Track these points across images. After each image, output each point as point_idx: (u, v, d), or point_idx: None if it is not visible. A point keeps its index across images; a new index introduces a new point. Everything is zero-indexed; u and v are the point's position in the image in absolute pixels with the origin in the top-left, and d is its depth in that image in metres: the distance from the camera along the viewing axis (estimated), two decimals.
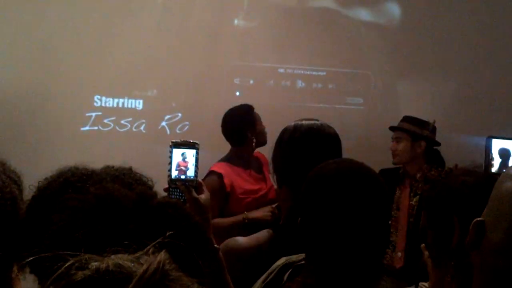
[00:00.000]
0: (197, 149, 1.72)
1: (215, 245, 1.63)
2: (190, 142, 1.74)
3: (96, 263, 0.59)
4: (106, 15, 4.20)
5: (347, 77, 4.67)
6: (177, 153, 1.71)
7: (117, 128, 4.26)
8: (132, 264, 0.60)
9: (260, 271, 1.51)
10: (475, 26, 4.70)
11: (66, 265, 0.60)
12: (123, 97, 4.27)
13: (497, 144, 1.82)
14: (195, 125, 4.28)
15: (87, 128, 4.20)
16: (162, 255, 0.60)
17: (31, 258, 0.67)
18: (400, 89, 4.77)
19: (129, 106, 4.29)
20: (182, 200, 1.65)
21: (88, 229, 0.73)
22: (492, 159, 1.81)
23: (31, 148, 3.94)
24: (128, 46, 4.24)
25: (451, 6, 4.71)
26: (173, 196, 1.67)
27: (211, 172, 3.28)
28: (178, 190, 1.69)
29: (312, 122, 1.83)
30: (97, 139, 4.17)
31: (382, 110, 4.55)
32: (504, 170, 1.78)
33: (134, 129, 4.28)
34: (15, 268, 1.20)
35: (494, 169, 1.82)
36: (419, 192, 3.51)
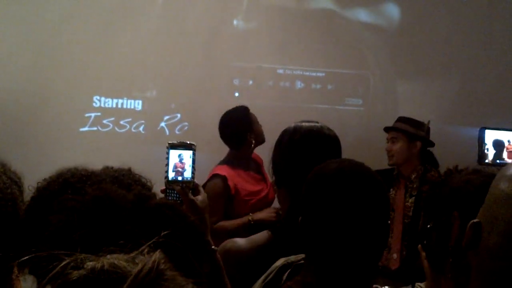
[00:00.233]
0: (194, 150, 1.71)
1: (213, 247, 1.63)
2: (187, 143, 1.73)
3: (91, 263, 0.60)
4: (106, 16, 4.20)
5: (346, 78, 4.67)
6: (174, 154, 1.71)
7: (116, 128, 4.26)
8: (127, 264, 0.60)
9: (258, 272, 1.51)
10: (473, 27, 4.71)
11: (62, 264, 0.60)
12: (122, 98, 4.27)
13: (490, 135, 1.83)
14: (194, 126, 4.29)
15: (86, 128, 4.20)
16: (157, 255, 0.60)
17: (26, 257, 0.67)
18: (399, 90, 4.78)
19: (128, 106, 4.29)
20: (179, 201, 1.65)
21: (85, 230, 0.73)
22: (487, 150, 1.83)
23: (31, 149, 3.93)
24: (127, 47, 4.24)
25: (450, 7, 4.71)
26: (170, 198, 1.66)
27: (214, 175, 3.27)
28: (175, 191, 1.69)
29: (312, 124, 1.83)
30: (96, 140, 4.17)
31: (381, 111, 4.55)
32: (498, 161, 1.80)
33: (133, 130, 4.28)
34: (15, 269, 1.20)
35: (488, 160, 1.83)
36: (414, 193, 3.51)
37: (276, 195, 1.85)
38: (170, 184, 1.68)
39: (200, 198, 1.70)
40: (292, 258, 1.46)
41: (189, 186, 1.69)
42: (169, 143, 1.72)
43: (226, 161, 3.40)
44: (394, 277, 3.23)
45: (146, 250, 0.63)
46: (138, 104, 4.30)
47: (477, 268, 0.88)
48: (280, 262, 1.47)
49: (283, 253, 1.50)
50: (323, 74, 4.62)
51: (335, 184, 1.31)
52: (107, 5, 4.22)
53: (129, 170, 1.22)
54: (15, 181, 1.28)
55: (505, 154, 1.80)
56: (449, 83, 4.76)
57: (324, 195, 1.31)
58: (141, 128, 4.29)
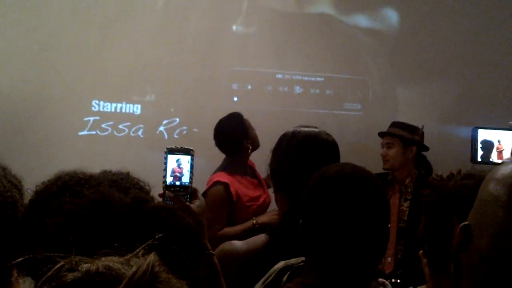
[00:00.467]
0: (192, 155, 1.71)
1: (210, 251, 1.63)
2: (185, 148, 1.72)
3: (86, 265, 0.60)
4: (105, 20, 4.21)
5: (345, 83, 4.68)
6: (172, 159, 1.70)
7: (115, 132, 4.26)
8: (122, 266, 0.60)
9: (256, 275, 1.51)
10: (472, 32, 4.72)
11: (56, 267, 0.60)
12: (121, 102, 4.28)
13: (483, 135, 1.84)
14: (193, 130, 4.29)
15: (85, 132, 4.20)
16: (151, 257, 0.60)
17: (20, 259, 0.67)
18: (398, 95, 4.78)
19: (127, 111, 4.29)
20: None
21: (82, 232, 0.73)
22: (481, 149, 1.84)
23: (30, 152, 3.93)
24: (126, 51, 4.25)
25: (448, 13, 4.72)
26: (168, 202, 1.66)
27: (216, 182, 3.26)
28: None
29: (310, 129, 1.84)
30: (95, 144, 4.17)
31: (380, 116, 4.55)
32: (491, 159, 1.81)
33: (132, 134, 4.28)
34: (14, 272, 1.20)
35: (479, 159, 1.84)
36: (408, 198, 3.52)
37: (275, 199, 1.85)
38: (168, 189, 1.68)
39: (197, 203, 1.70)
40: (292, 260, 1.46)
41: (187, 191, 1.69)
42: (167, 148, 1.71)
43: (224, 168, 3.39)
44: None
45: (141, 253, 0.64)
46: (137, 108, 4.30)
47: (468, 270, 0.88)
48: (280, 264, 1.47)
49: (280, 256, 1.51)
50: (322, 79, 4.63)
51: (337, 187, 1.31)
52: (106, 10, 4.23)
53: (128, 174, 1.23)
54: (16, 185, 1.28)
55: (494, 154, 1.81)
56: (448, 88, 4.76)
57: (326, 198, 1.32)
58: (140, 132, 4.30)
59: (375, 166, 3.61)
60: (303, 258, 1.40)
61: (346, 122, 4.61)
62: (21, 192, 1.29)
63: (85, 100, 4.21)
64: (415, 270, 2.22)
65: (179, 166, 1.70)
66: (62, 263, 0.61)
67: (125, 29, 4.25)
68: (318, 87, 4.63)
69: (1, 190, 1.21)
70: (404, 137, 3.61)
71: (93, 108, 4.23)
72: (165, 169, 1.69)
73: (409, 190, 3.55)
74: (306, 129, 1.83)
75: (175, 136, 4.28)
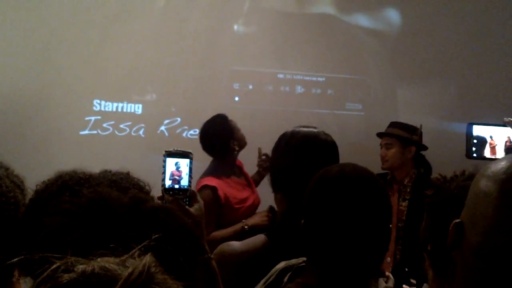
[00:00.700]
0: (191, 158, 1.70)
1: (209, 254, 1.63)
2: (184, 151, 1.71)
3: (82, 266, 0.60)
4: (106, 20, 4.21)
5: (346, 83, 4.68)
6: (170, 162, 1.69)
7: (116, 132, 4.26)
8: (118, 267, 0.60)
9: (254, 276, 1.51)
10: (472, 32, 4.72)
11: (52, 267, 0.60)
12: (122, 102, 4.28)
13: (477, 131, 1.85)
14: (194, 130, 4.29)
15: (86, 132, 4.20)
16: (147, 258, 0.60)
17: (16, 259, 0.68)
18: (399, 95, 4.78)
19: (128, 110, 4.30)
20: None
21: (80, 232, 0.73)
22: (475, 145, 1.85)
23: (31, 152, 3.94)
24: (127, 50, 4.25)
25: (449, 13, 4.72)
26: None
27: (204, 187, 3.22)
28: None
29: (310, 129, 1.83)
30: (96, 143, 4.18)
31: (381, 116, 4.55)
32: (485, 155, 1.81)
33: (133, 133, 4.28)
34: (16, 272, 1.20)
35: (474, 155, 1.85)
36: (407, 197, 3.52)
37: (274, 199, 1.84)
38: (167, 192, 1.67)
39: (196, 206, 1.70)
40: (293, 261, 1.46)
41: (185, 194, 1.68)
42: (165, 151, 1.70)
43: (211, 171, 3.34)
44: (387, 281, 3.22)
45: (137, 254, 0.64)
46: (138, 108, 4.31)
47: (462, 267, 0.90)
48: (281, 264, 1.47)
49: (279, 256, 1.50)
50: (323, 79, 4.63)
51: (338, 187, 1.31)
52: (107, 9, 4.23)
53: (128, 173, 1.22)
54: (18, 185, 1.28)
55: (487, 150, 1.81)
56: (448, 87, 4.77)
57: (327, 198, 1.32)
58: (141, 132, 4.30)
59: (376, 166, 3.62)
60: (304, 259, 1.40)
61: (348, 122, 4.61)
62: (24, 192, 1.29)
63: (86, 99, 4.21)
64: (415, 268, 2.22)
65: (177, 169, 1.69)
66: (58, 264, 0.60)
67: (126, 29, 4.25)
68: (320, 87, 4.63)
69: (4, 191, 1.21)
70: (403, 137, 3.61)
71: (94, 108, 4.23)
72: (164, 172, 1.68)
73: (408, 190, 3.55)
74: (305, 129, 1.83)
75: (180, 136, 4.28)
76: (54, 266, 0.60)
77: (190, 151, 1.73)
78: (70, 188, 1.15)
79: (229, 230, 3.18)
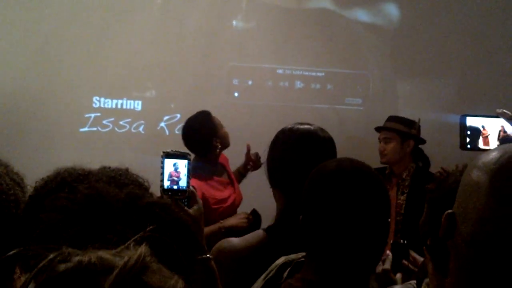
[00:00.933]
0: (189, 159, 1.71)
1: (208, 255, 1.63)
2: (182, 152, 1.72)
3: (78, 257, 0.61)
4: (105, 17, 4.21)
5: (346, 78, 4.68)
6: (169, 163, 1.69)
7: (116, 129, 4.27)
8: (114, 257, 0.61)
9: (253, 272, 1.51)
10: (472, 27, 4.72)
11: (49, 258, 0.61)
12: (122, 98, 4.28)
13: (470, 122, 1.86)
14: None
15: (86, 129, 4.21)
16: (143, 248, 0.61)
17: (12, 252, 0.69)
18: (398, 90, 4.78)
19: (128, 107, 4.30)
20: None
21: (76, 228, 0.73)
22: (468, 136, 1.86)
23: (31, 149, 3.94)
24: (127, 47, 4.25)
25: (448, 7, 4.72)
26: None
27: None
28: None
29: (307, 126, 1.83)
30: (96, 140, 4.18)
31: (381, 111, 4.54)
32: (479, 146, 1.82)
33: (133, 130, 4.28)
34: (17, 269, 1.20)
35: (469, 146, 1.86)
36: (405, 191, 3.53)
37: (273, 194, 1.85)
38: (165, 193, 1.67)
39: (195, 207, 1.70)
40: (293, 256, 1.46)
41: (184, 195, 1.68)
42: (163, 152, 1.70)
43: (195, 169, 3.26)
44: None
45: (132, 245, 0.64)
46: (137, 105, 4.31)
47: (455, 257, 0.91)
48: (280, 260, 1.47)
49: (278, 252, 1.51)
50: (323, 74, 4.63)
51: (335, 182, 1.32)
52: (106, 6, 4.23)
53: (127, 170, 1.22)
54: (18, 182, 1.29)
55: (480, 140, 1.83)
56: (448, 82, 4.76)
57: (324, 193, 1.32)
58: (140, 129, 4.30)
59: (376, 160, 3.62)
60: (303, 254, 1.41)
61: (347, 117, 4.61)
62: (24, 190, 1.29)
63: (86, 96, 4.22)
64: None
65: (176, 170, 1.69)
66: (55, 254, 0.61)
67: (125, 26, 4.25)
68: (319, 82, 4.62)
69: (4, 188, 1.21)
70: (402, 131, 3.61)
71: (94, 105, 4.23)
72: (162, 173, 1.68)
73: (406, 184, 3.56)
74: (301, 126, 1.83)
75: (176, 131, 4.27)
76: (51, 256, 0.61)
77: (188, 152, 1.73)
78: (69, 184, 1.15)
79: (205, 230, 3.14)
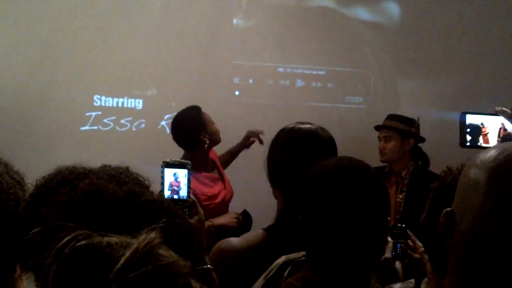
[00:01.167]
0: (189, 169, 1.71)
1: (208, 266, 1.63)
2: (182, 162, 1.72)
3: (98, 237, 0.66)
4: (106, 15, 4.21)
5: (347, 76, 4.68)
6: (169, 173, 1.70)
7: (117, 127, 4.27)
8: (130, 239, 0.66)
9: (253, 271, 1.51)
10: (473, 24, 4.71)
11: (69, 237, 0.66)
12: (122, 97, 4.28)
13: (469, 120, 1.86)
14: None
15: (86, 127, 4.21)
16: (154, 234, 0.66)
17: (11, 249, 0.74)
18: (399, 88, 4.78)
19: (129, 105, 4.30)
20: None
21: (74, 223, 0.74)
22: (469, 134, 1.86)
23: (32, 148, 3.94)
24: (127, 45, 4.25)
25: (450, 5, 4.71)
26: None
27: None
28: None
29: (308, 125, 1.83)
30: (97, 139, 4.18)
31: (382, 109, 4.55)
32: (479, 143, 1.83)
33: (133, 129, 4.29)
34: (18, 268, 1.21)
35: (468, 143, 1.86)
36: (404, 189, 3.54)
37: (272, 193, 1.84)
38: None
39: (196, 217, 1.70)
40: (293, 255, 1.46)
41: (184, 205, 1.68)
42: (163, 162, 1.71)
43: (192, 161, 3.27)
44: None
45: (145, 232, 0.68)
46: (138, 103, 4.31)
47: (453, 255, 0.92)
48: (281, 259, 1.47)
49: (278, 251, 1.51)
50: (324, 72, 4.62)
51: (334, 181, 1.32)
52: (107, 4, 4.23)
53: (127, 168, 1.23)
54: (18, 181, 1.29)
55: (480, 138, 1.83)
56: (449, 80, 4.76)
57: (323, 192, 1.32)
58: (141, 127, 4.30)
59: (377, 159, 3.63)
60: (304, 253, 1.41)
61: (348, 116, 4.61)
62: (24, 188, 1.29)
63: (87, 95, 4.22)
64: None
65: (176, 179, 1.69)
66: (75, 233, 0.66)
67: (125, 24, 4.24)
68: (320, 81, 4.62)
69: (4, 187, 1.22)
70: (402, 129, 3.61)
71: (94, 103, 4.23)
72: (162, 183, 1.68)
73: (405, 182, 3.56)
74: (302, 126, 1.83)
75: None
76: (71, 236, 0.66)
77: (188, 161, 1.73)
78: (69, 182, 1.15)
79: None
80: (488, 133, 1.87)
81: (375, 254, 1.35)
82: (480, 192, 0.87)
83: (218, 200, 3.28)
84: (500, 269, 0.85)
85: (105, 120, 4.24)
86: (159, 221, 0.74)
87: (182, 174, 1.70)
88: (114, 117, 4.25)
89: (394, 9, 4.75)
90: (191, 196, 1.72)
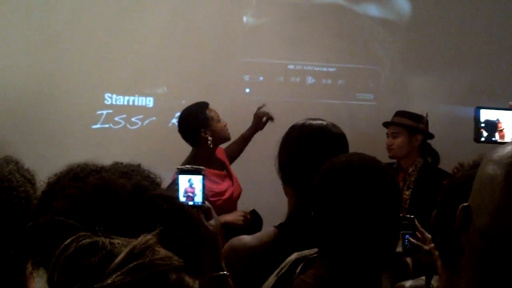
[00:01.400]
0: (203, 175, 1.72)
1: (225, 272, 1.63)
2: (196, 168, 1.74)
3: (101, 237, 0.71)
4: (117, 13, 4.22)
5: (357, 73, 4.66)
6: (183, 180, 1.71)
7: (127, 125, 4.28)
8: (126, 241, 0.71)
9: (265, 269, 1.51)
10: (484, 21, 4.68)
11: (74, 237, 0.71)
12: (133, 95, 4.29)
13: (484, 115, 1.84)
14: None
15: (98, 126, 4.23)
16: (150, 236, 0.70)
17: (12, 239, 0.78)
18: (410, 85, 4.76)
19: (140, 103, 4.31)
20: None
21: (81, 216, 0.76)
22: (483, 129, 1.85)
23: (43, 146, 3.96)
24: (138, 44, 4.26)
25: (461, 1, 4.68)
26: None
27: None
28: None
29: (319, 121, 1.82)
30: (108, 137, 4.20)
31: (393, 106, 4.52)
32: (494, 139, 1.81)
33: (144, 126, 4.29)
34: (29, 265, 1.21)
35: (483, 138, 1.84)
36: (411, 186, 3.53)
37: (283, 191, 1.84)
38: None
39: (213, 222, 1.71)
40: (306, 252, 1.46)
41: (200, 211, 1.69)
42: (178, 168, 1.72)
43: (188, 161, 3.24)
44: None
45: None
46: (149, 101, 4.32)
47: (469, 251, 0.91)
48: (293, 256, 1.47)
49: (290, 249, 1.50)
50: (334, 69, 4.61)
51: (345, 177, 1.31)
52: (118, 3, 4.24)
53: (139, 166, 1.23)
54: (29, 179, 1.30)
55: (496, 133, 1.82)
56: (460, 76, 4.73)
57: (334, 189, 1.32)
58: (152, 125, 4.31)
59: (387, 155, 3.61)
60: (316, 249, 1.40)
61: (358, 112, 4.60)
62: (34, 186, 1.30)
63: (98, 93, 4.23)
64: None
65: (191, 186, 1.70)
66: (79, 233, 0.71)
67: (136, 23, 4.25)
68: (330, 78, 4.61)
69: (15, 185, 1.22)
70: (410, 126, 3.61)
71: (105, 102, 4.25)
72: (177, 190, 1.70)
73: (412, 179, 3.56)
74: (314, 122, 1.82)
75: None
76: (76, 235, 0.71)
77: (202, 167, 1.73)
78: (81, 180, 1.16)
79: None
80: (504, 128, 1.85)
81: (387, 251, 1.34)
82: (497, 187, 0.86)
83: (225, 196, 3.28)
84: None
85: (116, 118, 4.25)
86: (165, 217, 0.77)
87: (197, 180, 1.71)
88: (125, 115, 4.27)
89: (404, 6, 4.72)
90: (206, 202, 1.73)
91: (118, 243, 0.69)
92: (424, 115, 3.69)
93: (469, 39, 4.68)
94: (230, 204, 3.32)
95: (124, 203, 0.79)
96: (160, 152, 3.94)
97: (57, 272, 0.69)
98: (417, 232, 2.26)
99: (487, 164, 0.91)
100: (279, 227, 1.75)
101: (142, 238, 0.69)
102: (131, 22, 4.25)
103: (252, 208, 3.30)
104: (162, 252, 0.69)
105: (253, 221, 3.23)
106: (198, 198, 1.71)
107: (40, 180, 1.28)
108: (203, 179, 1.72)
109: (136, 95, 4.30)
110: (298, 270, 1.41)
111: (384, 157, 3.60)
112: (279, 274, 1.46)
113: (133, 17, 4.25)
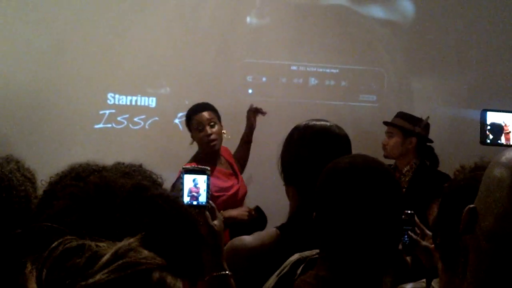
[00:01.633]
0: (208, 175, 1.73)
1: (227, 271, 1.63)
2: (201, 168, 1.74)
3: (81, 241, 0.73)
4: (120, 13, 4.22)
5: (360, 74, 4.66)
6: (188, 179, 1.72)
7: (130, 125, 4.28)
8: (109, 244, 0.73)
9: (266, 269, 1.51)
10: (487, 22, 4.67)
11: (60, 240, 0.73)
12: (136, 95, 4.30)
13: (491, 118, 1.85)
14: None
15: (100, 125, 4.23)
16: (133, 239, 0.73)
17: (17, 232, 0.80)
18: (413, 86, 4.75)
19: (142, 103, 4.31)
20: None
21: (80, 214, 0.78)
22: (488, 131, 1.85)
23: (46, 146, 3.97)
24: (141, 44, 4.26)
25: (463, 3, 4.68)
26: None
27: None
28: None
29: (322, 122, 1.82)
30: (111, 137, 4.20)
31: (395, 107, 4.51)
32: (500, 141, 1.81)
33: (147, 127, 4.30)
34: (28, 264, 1.21)
35: (489, 140, 1.84)
36: (405, 186, 3.54)
37: (285, 192, 1.83)
38: None
39: (217, 222, 1.71)
40: (307, 253, 1.46)
41: (203, 211, 1.69)
42: (183, 168, 1.74)
43: (195, 157, 3.33)
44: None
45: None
46: (152, 101, 4.32)
47: (474, 252, 0.92)
48: (294, 256, 1.47)
49: (291, 250, 1.50)
50: (337, 71, 4.61)
51: (348, 179, 1.31)
52: (121, 3, 4.24)
53: (140, 166, 1.23)
54: (29, 178, 1.30)
55: (502, 136, 1.82)
56: (464, 78, 4.72)
57: (337, 190, 1.31)
58: (155, 125, 4.31)
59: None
60: (317, 250, 1.40)
61: (361, 114, 4.59)
62: (34, 185, 1.30)
63: (101, 93, 4.24)
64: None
65: (195, 185, 1.71)
66: (66, 238, 0.73)
67: (139, 22, 4.26)
68: (333, 79, 4.61)
69: (15, 184, 1.23)
70: (404, 128, 3.64)
71: (108, 101, 4.25)
72: (182, 189, 1.70)
73: (406, 179, 3.59)
74: (317, 122, 1.82)
75: None
76: (60, 240, 0.73)
77: (207, 167, 1.74)
78: (83, 179, 1.16)
79: None
80: (510, 131, 1.86)
81: (388, 252, 1.34)
82: (504, 190, 0.87)
83: (230, 192, 3.31)
84: None
85: (118, 118, 4.26)
86: (163, 216, 0.79)
87: (202, 180, 1.72)
88: (127, 115, 4.27)
89: (408, 7, 4.72)
90: (210, 202, 1.73)
91: (104, 246, 0.72)
92: (429, 116, 3.70)
93: (472, 41, 4.68)
94: (235, 202, 3.33)
95: (123, 202, 0.79)
96: (162, 152, 3.95)
97: (45, 271, 0.72)
98: (416, 228, 2.25)
99: (494, 167, 0.92)
100: (281, 228, 1.75)
101: (126, 240, 0.72)
102: (134, 22, 4.25)
103: (256, 205, 3.31)
104: (145, 252, 0.72)
105: (257, 217, 3.24)
106: (203, 198, 1.71)
107: (42, 180, 1.28)
108: (208, 179, 1.72)
109: (139, 95, 4.30)
110: (299, 271, 1.41)
111: (386, 159, 3.60)
112: (280, 275, 1.46)
113: (136, 17, 4.25)
